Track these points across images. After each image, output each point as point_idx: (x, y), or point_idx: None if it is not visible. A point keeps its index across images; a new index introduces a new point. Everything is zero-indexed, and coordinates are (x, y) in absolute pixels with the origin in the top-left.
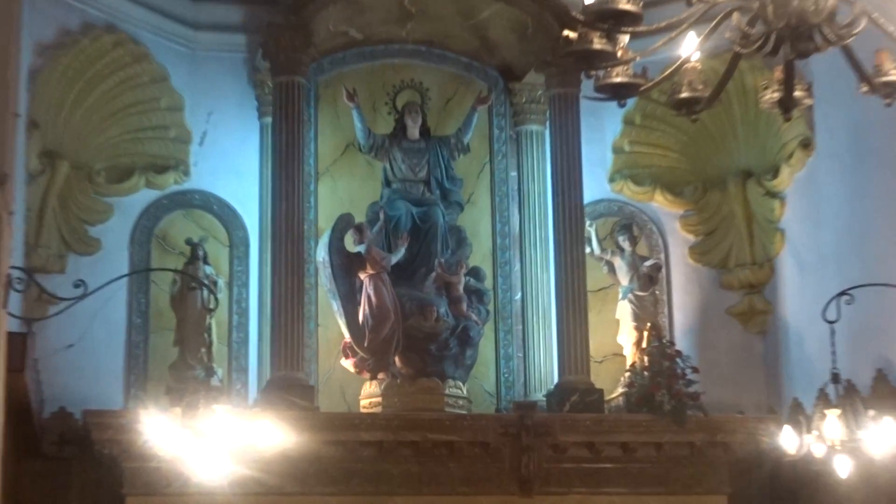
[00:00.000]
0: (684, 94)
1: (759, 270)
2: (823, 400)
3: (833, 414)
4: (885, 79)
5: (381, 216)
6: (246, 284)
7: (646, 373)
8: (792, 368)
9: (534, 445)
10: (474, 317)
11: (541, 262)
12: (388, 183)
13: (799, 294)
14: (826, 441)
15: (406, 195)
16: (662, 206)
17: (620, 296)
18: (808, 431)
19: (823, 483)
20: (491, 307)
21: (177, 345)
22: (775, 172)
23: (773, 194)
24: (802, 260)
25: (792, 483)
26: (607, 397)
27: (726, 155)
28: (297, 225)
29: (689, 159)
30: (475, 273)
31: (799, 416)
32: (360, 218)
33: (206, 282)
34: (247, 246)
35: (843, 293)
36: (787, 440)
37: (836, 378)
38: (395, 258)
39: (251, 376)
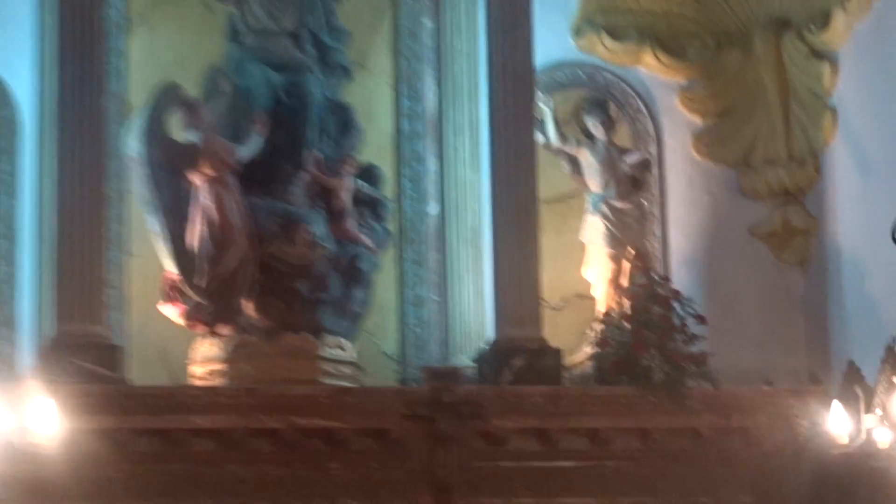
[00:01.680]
0: None
1: (800, 170)
2: (892, 362)
3: None
4: None
5: (226, 88)
6: (12, 192)
7: (626, 324)
8: (846, 316)
9: (456, 434)
10: (367, 240)
11: (469, 157)
12: (235, 37)
13: (858, 204)
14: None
15: (264, 55)
16: (654, 73)
17: (589, 208)
18: (869, 410)
19: (890, 485)
20: (393, 226)
21: None
22: (825, 21)
23: (820, 55)
24: (864, 153)
25: (843, 486)
26: (568, 361)
27: None
28: (94, 101)
29: (694, 1)
30: (369, 174)
31: (855, 388)
32: (191, 90)
33: None
34: (15, 133)
35: None
36: (838, 423)
37: None
38: (248, 152)
39: (22, 332)
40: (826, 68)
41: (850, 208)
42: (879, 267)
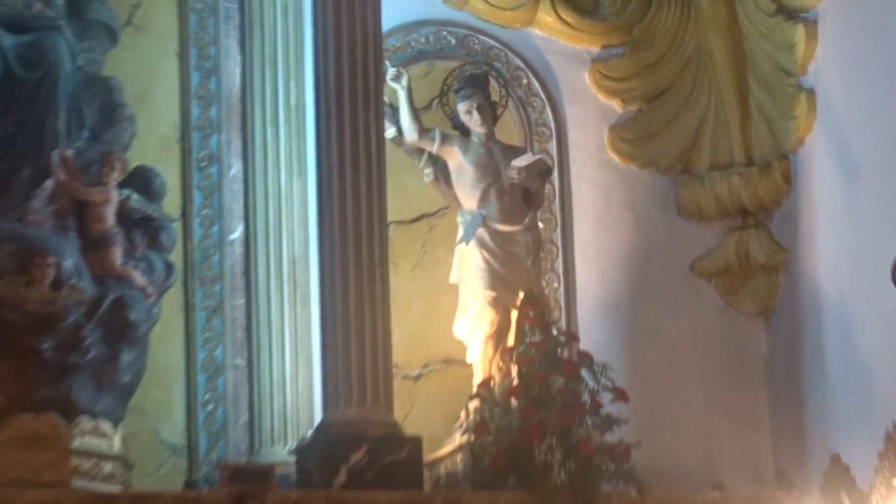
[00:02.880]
0: None
1: (762, 179)
2: (894, 457)
3: None
4: None
5: None
6: None
7: (514, 401)
8: (828, 389)
9: None
10: (139, 278)
11: (287, 158)
12: None
13: (844, 229)
14: None
15: None
16: (553, 38)
17: (461, 234)
18: None
19: None
20: (178, 257)
21: None
22: None
23: (792, 13)
24: (852, 157)
25: None
26: (431, 455)
27: None
28: None
29: None
30: (144, 182)
31: (841, 494)
32: None
33: None
34: None
35: None
36: None
37: None
38: None
39: None
40: (800, 33)
41: (833, 234)
42: (875, 318)
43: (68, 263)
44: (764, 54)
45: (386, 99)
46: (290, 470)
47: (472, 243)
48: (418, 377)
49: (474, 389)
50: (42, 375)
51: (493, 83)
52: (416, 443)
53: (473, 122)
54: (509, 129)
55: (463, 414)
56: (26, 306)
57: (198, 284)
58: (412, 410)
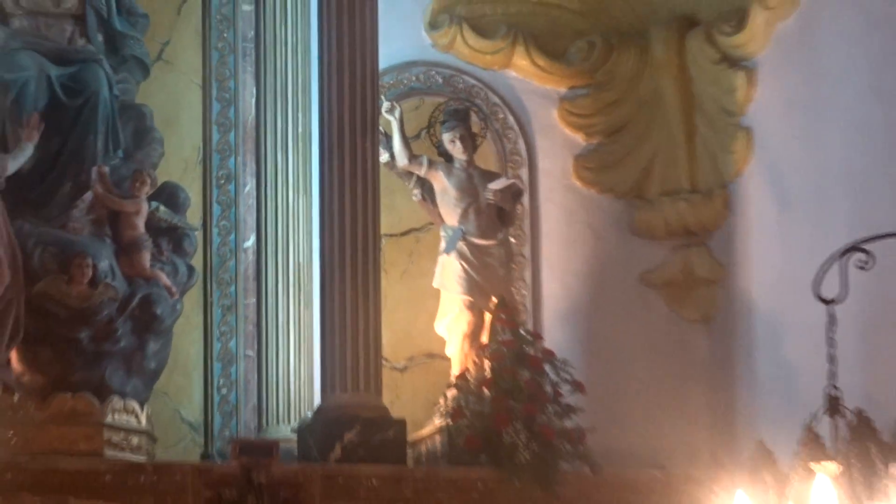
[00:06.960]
0: None
1: (705, 204)
2: (811, 444)
3: (828, 470)
4: None
5: None
6: None
7: (486, 391)
8: (758, 386)
9: None
10: (165, 279)
11: (295, 177)
12: (1, 17)
13: (776, 249)
14: None
15: (38, 42)
16: (527, 79)
17: (443, 246)
18: (782, 501)
19: None
20: (199, 262)
21: None
22: (740, 20)
23: (734, 62)
24: (784, 186)
25: None
26: (414, 435)
27: None
28: None
29: None
30: (170, 196)
31: (765, 474)
32: None
33: None
34: None
35: (853, 249)
36: None
37: (834, 405)
38: (16, 163)
39: None
40: (741, 79)
41: (765, 254)
42: (799, 326)
43: (104, 265)
44: (709, 97)
45: (381, 129)
46: (292, 446)
47: (453, 254)
48: (404, 369)
49: (452, 380)
50: (79, 361)
51: (473, 117)
52: (401, 425)
53: (456, 150)
54: (487, 157)
55: (442, 401)
56: (67, 301)
57: (215, 285)
58: (398, 397)
